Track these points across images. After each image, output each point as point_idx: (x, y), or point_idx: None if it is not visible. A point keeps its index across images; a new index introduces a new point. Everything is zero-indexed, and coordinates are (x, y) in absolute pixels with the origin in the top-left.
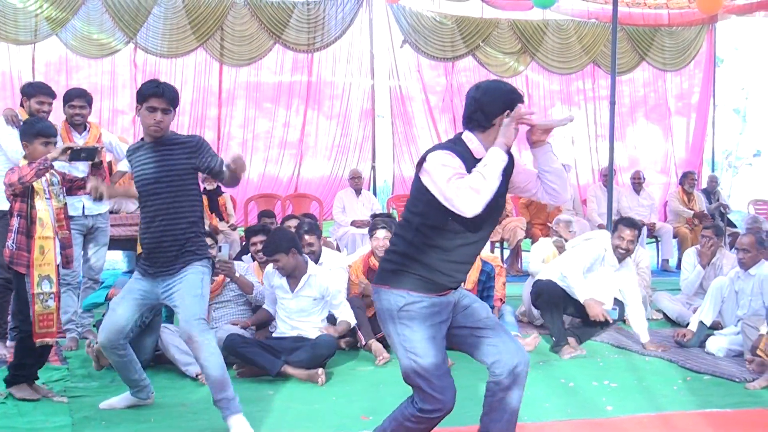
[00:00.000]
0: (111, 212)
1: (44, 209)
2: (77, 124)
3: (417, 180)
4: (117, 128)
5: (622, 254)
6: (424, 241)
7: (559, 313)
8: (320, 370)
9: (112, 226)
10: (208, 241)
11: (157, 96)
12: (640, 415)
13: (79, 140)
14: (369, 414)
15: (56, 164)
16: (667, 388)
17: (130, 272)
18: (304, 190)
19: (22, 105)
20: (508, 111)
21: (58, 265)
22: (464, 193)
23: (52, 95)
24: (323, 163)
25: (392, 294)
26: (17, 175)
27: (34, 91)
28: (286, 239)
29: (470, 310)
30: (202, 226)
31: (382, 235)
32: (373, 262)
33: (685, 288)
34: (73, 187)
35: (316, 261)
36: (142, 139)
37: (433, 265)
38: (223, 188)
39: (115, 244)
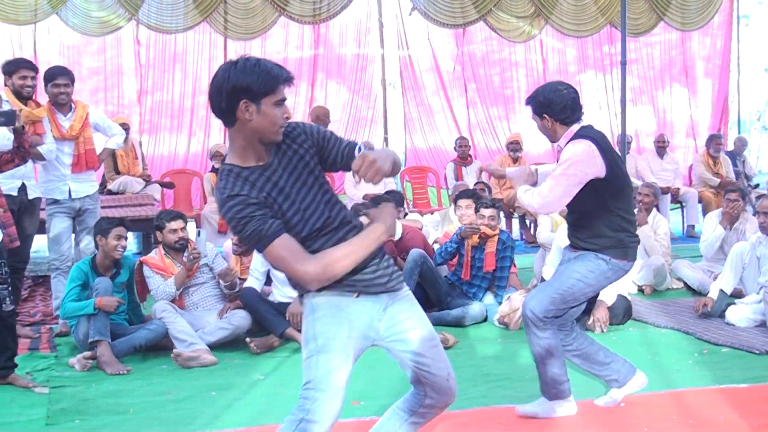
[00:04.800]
0: (115, 193)
1: None
2: (62, 103)
3: None
4: (120, 107)
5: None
6: None
7: None
8: None
9: (118, 207)
10: (180, 223)
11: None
12: (649, 393)
13: (65, 121)
14: (361, 398)
15: None
16: (682, 362)
17: (139, 254)
18: None
19: (6, 85)
20: None
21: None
22: None
23: (34, 68)
24: None
25: None
26: None
27: (14, 66)
28: None
29: None
30: None
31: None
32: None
33: (704, 250)
34: (0, 163)
35: None
36: (233, 167)
37: None
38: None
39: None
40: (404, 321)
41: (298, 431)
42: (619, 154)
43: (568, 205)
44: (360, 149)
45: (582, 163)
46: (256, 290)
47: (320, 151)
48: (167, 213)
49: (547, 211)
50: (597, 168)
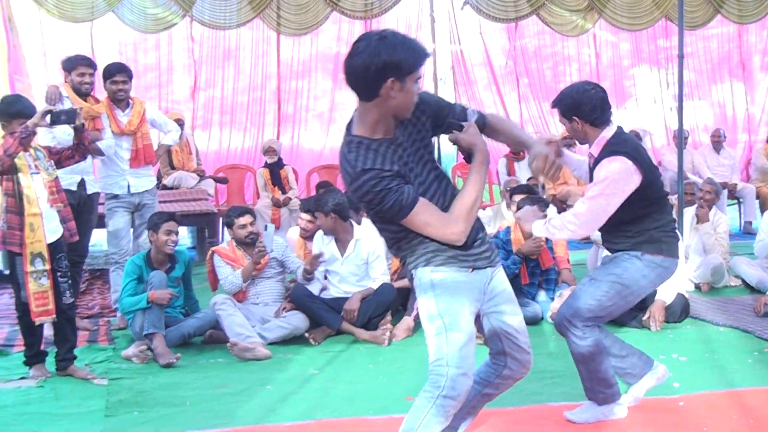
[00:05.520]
0: (170, 188)
1: (29, 185)
2: (121, 99)
3: None
4: (173, 103)
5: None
6: None
7: None
8: (387, 334)
9: (173, 202)
10: (248, 218)
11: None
12: (708, 392)
13: (123, 117)
14: (415, 394)
15: (42, 141)
16: (742, 361)
17: (194, 249)
18: None
19: (66, 81)
20: None
21: (55, 243)
22: None
23: (92, 65)
24: None
25: None
26: (2, 149)
27: (73, 63)
28: (332, 202)
29: None
30: None
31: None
32: None
33: (758, 251)
34: (61, 159)
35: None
36: (362, 139)
37: None
38: (284, 160)
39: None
40: (500, 294)
41: (437, 407)
42: (677, 149)
43: None
44: (472, 115)
45: (621, 182)
46: (306, 289)
47: (436, 120)
48: (236, 209)
49: (584, 232)
50: (635, 183)
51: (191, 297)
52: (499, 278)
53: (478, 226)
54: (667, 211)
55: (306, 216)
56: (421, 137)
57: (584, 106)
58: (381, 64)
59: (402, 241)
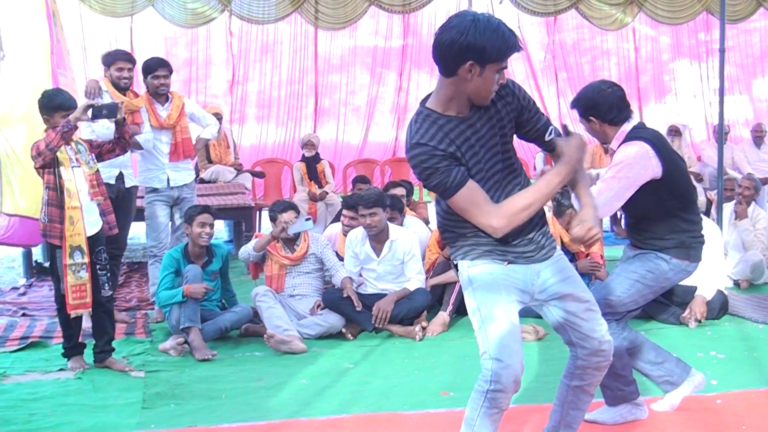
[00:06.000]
0: (208, 182)
1: (70, 179)
2: (162, 94)
3: None
4: (211, 97)
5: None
6: None
7: None
8: (418, 327)
9: (211, 195)
10: (292, 214)
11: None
12: (747, 390)
13: (163, 111)
14: (450, 389)
15: (82, 135)
16: None
17: (231, 242)
18: (404, 155)
19: (105, 76)
20: None
21: (95, 236)
22: None
23: (131, 60)
24: None
25: None
26: (44, 142)
27: (112, 58)
28: (385, 196)
29: None
30: None
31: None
32: None
33: None
34: (102, 152)
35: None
36: (431, 112)
37: None
38: (321, 155)
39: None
40: (557, 283)
41: (488, 401)
42: (716, 144)
43: (625, 208)
44: (551, 132)
45: (636, 166)
46: (338, 292)
47: (519, 116)
48: (280, 203)
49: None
50: (653, 169)
51: (229, 290)
52: (553, 269)
53: (530, 227)
54: (696, 212)
55: (349, 212)
56: (501, 125)
57: (601, 105)
58: (465, 45)
59: (447, 225)
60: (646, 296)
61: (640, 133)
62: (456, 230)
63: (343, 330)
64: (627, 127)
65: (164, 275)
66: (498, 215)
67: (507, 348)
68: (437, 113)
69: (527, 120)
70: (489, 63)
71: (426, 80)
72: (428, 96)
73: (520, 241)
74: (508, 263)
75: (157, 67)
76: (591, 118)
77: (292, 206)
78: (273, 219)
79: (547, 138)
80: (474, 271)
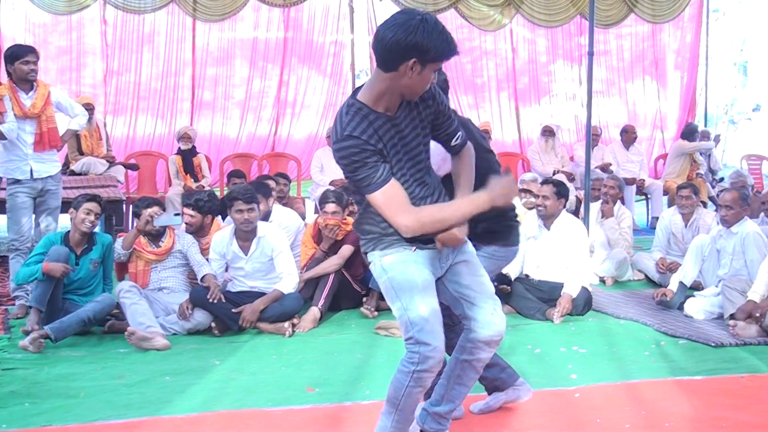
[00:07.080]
0: (78, 174)
1: None
2: (32, 80)
3: None
4: (89, 88)
5: None
6: None
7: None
8: (288, 324)
9: (80, 188)
10: (157, 209)
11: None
12: (604, 384)
13: (27, 99)
14: (316, 385)
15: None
16: (639, 353)
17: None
18: (284, 150)
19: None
20: None
21: None
22: None
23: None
24: (304, 122)
25: None
26: None
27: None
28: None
29: None
30: None
31: (331, 209)
32: (322, 226)
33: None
34: None
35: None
36: (363, 105)
37: None
38: (197, 148)
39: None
40: (459, 263)
41: (414, 380)
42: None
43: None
44: (458, 138)
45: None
46: (204, 291)
47: (436, 119)
48: (144, 200)
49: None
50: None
51: (108, 282)
52: (462, 255)
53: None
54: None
55: (189, 210)
56: (422, 126)
57: None
58: (413, 43)
59: (364, 219)
60: None
61: None
62: (371, 225)
63: (212, 326)
64: None
65: (34, 254)
66: (413, 218)
67: (431, 332)
68: (368, 108)
69: (441, 124)
70: (430, 63)
71: (307, 75)
72: (359, 88)
73: (423, 238)
74: (415, 249)
75: (28, 53)
76: None
77: (157, 202)
78: (137, 215)
79: (453, 143)
80: (387, 260)
